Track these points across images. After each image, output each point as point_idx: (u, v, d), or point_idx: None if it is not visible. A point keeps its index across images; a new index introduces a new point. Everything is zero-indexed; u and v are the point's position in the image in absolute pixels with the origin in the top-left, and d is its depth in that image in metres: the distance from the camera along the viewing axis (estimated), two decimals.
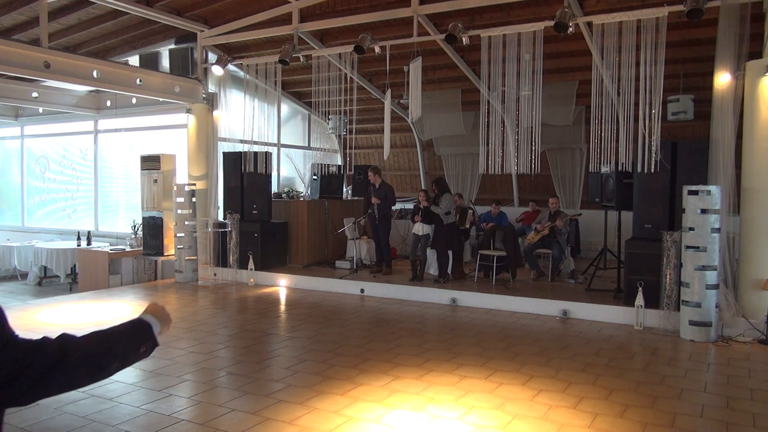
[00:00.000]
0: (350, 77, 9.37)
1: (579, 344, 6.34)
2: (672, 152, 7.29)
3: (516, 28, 7.83)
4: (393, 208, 10.41)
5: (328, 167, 10.83)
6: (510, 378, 5.21)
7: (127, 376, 5.21)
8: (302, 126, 14.15)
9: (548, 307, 7.70)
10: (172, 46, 10.86)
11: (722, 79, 6.80)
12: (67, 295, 9.84)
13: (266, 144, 10.60)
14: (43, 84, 11.01)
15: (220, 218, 10.74)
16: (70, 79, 8.96)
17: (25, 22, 10.02)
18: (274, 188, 11.60)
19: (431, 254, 9.24)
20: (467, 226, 9.86)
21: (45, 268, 11.46)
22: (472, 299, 8.24)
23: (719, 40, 6.79)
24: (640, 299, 6.93)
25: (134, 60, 11.19)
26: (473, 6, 8.34)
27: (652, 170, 6.96)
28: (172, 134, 11.71)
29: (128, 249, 10.79)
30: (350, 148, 11.68)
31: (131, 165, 12.00)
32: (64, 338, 1.41)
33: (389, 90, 9.19)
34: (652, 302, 6.96)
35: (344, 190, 12.12)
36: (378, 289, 8.94)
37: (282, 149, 12.83)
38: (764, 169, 6.57)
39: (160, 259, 10.66)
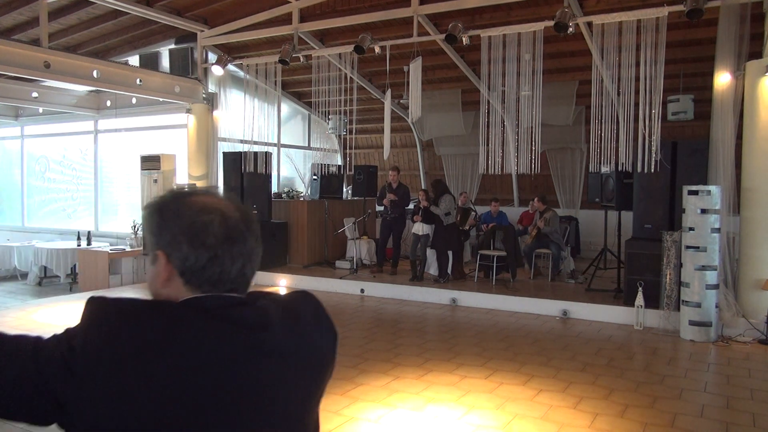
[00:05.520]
0: (350, 77, 9.37)
1: (579, 344, 6.34)
2: (672, 152, 7.30)
3: (516, 28, 7.82)
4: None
5: (328, 167, 10.83)
6: (510, 378, 5.21)
7: None
8: (302, 126, 14.15)
9: (548, 307, 7.70)
10: (172, 46, 10.85)
11: (722, 79, 6.80)
12: (67, 295, 9.84)
13: (266, 144, 10.60)
14: (43, 84, 11.00)
15: None
16: (70, 79, 8.95)
17: (25, 22, 10.01)
18: (274, 188, 11.59)
19: (431, 254, 9.23)
20: (467, 228, 9.85)
21: (45, 268, 11.44)
22: (472, 299, 8.24)
23: (719, 40, 6.79)
24: (640, 299, 6.93)
25: (134, 60, 11.19)
26: (473, 6, 8.34)
27: (652, 170, 6.96)
28: (172, 134, 11.70)
29: (128, 249, 10.78)
30: (350, 148, 11.67)
31: (131, 165, 11.99)
32: None
33: (389, 90, 9.19)
34: (652, 302, 6.96)
35: (344, 190, 12.12)
36: (378, 289, 8.94)
37: (282, 149, 12.83)
38: (764, 169, 6.57)
39: None
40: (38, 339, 1.05)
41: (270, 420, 1.10)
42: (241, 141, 10.35)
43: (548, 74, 8.71)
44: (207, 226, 1.08)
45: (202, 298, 1.09)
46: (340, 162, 13.28)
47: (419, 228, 9.25)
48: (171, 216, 1.10)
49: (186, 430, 1.00)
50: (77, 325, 1.04)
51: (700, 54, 8.72)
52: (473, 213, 10.14)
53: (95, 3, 9.02)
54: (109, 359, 0.99)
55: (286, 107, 13.40)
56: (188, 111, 10.75)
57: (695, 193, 6.44)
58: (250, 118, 10.25)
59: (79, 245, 11.10)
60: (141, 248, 10.80)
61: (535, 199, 9.53)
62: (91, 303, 1.05)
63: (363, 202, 11.18)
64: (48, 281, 11.65)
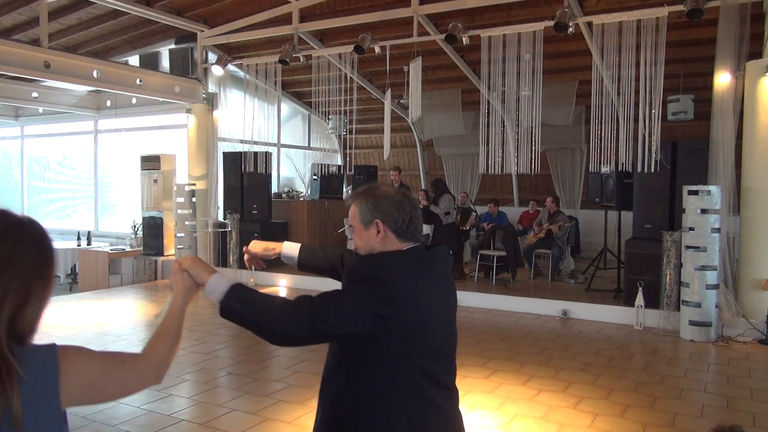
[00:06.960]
0: (350, 77, 9.36)
1: (579, 344, 6.34)
2: (672, 152, 7.30)
3: (516, 28, 7.82)
4: None
5: (328, 167, 10.83)
6: (510, 378, 5.21)
7: None
8: (302, 126, 14.15)
9: (548, 307, 7.70)
10: (172, 46, 10.85)
11: (722, 79, 6.80)
12: (67, 295, 9.84)
13: (266, 144, 10.60)
14: (43, 84, 11.00)
15: (220, 218, 10.74)
16: (70, 79, 8.96)
17: (25, 22, 10.01)
18: (274, 188, 11.59)
19: None
20: (467, 228, 9.84)
21: None
22: (472, 299, 8.23)
23: (719, 40, 6.79)
24: (640, 299, 6.93)
25: (134, 60, 11.19)
26: (473, 6, 8.33)
27: (652, 170, 6.96)
28: (172, 134, 11.70)
29: (128, 249, 10.78)
30: (350, 148, 11.66)
31: (131, 165, 11.99)
32: None
33: (389, 90, 9.19)
34: (652, 302, 6.96)
35: (344, 190, 12.12)
36: None
37: (282, 149, 12.81)
38: (764, 169, 6.57)
39: (160, 259, 10.66)
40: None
41: (451, 326, 1.82)
42: (241, 141, 10.35)
43: (548, 74, 8.71)
44: (402, 201, 1.76)
45: (419, 245, 1.78)
46: (340, 162, 13.28)
47: None
48: (379, 196, 1.76)
49: (435, 318, 1.71)
50: (364, 277, 1.68)
51: (700, 54, 8.72)
52: (474, 213, 10.14)
53: (95, 3, 9.02)
54: (403, 283, 1.65)
55: (286, 107, 13.39)
56: (188, 111, 10.75)
57: (695, 193, 6.44)
58: (250, 118, 10.24)
59: (78, 245, 11.10)
60: (141, 248, 10.82)
61: (548, 200, 9.52)
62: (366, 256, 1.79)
63: None
64: None
